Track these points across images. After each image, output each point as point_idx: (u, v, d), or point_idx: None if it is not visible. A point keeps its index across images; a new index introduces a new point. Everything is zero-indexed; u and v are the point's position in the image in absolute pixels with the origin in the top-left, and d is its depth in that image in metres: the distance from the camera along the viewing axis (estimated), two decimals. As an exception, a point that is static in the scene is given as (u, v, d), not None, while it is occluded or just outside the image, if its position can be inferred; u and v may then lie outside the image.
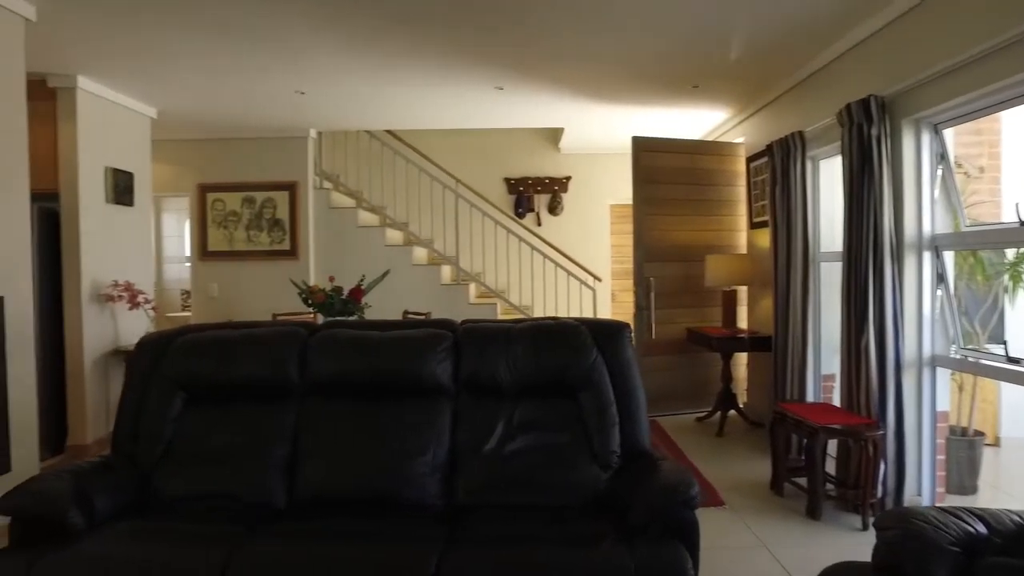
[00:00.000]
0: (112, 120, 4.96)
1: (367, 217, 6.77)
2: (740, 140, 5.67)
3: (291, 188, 6.36)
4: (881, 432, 3.26)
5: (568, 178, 7.51)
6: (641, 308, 5.47)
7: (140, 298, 4.89)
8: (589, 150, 7.42)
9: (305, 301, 4.67)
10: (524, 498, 2.41)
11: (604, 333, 2.72)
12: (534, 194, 7.48)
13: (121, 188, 4.99)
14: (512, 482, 2.45)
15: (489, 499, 2.42)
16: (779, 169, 4.38)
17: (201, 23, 3.70)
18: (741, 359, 5.64)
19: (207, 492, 2.44)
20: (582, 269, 6.79)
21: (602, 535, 2.08)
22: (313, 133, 6.44)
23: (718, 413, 5.07)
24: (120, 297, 4.78)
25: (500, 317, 6.52)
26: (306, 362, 2.66)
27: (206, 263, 6.45)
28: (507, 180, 7.49)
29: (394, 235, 6.75)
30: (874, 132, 3.34)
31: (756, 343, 4.89)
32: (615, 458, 2.49)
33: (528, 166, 7.51)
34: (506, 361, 2.62)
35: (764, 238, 4.85)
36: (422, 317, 5.25)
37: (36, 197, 4.62)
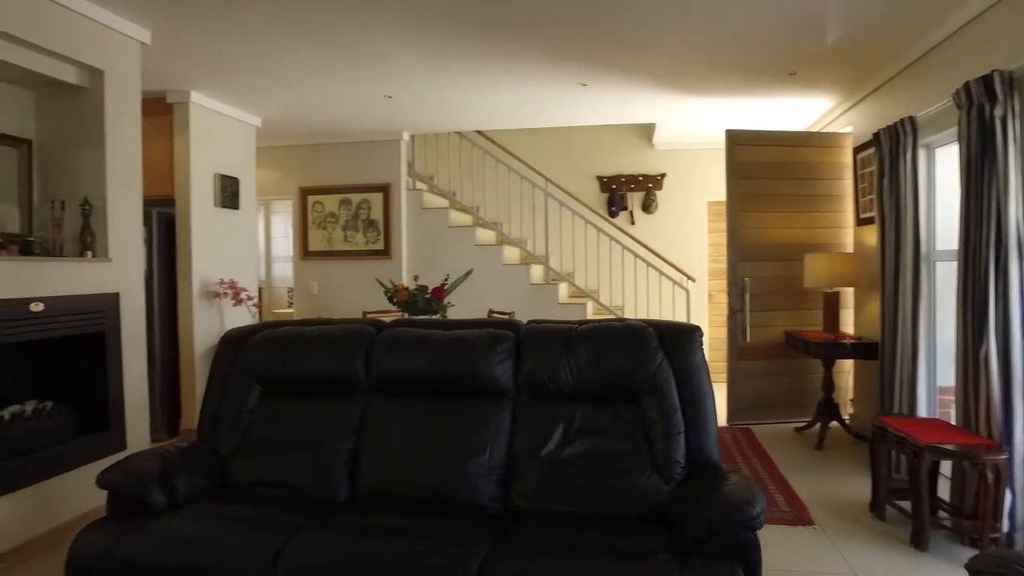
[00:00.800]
0: (220, 130, 5.33)
1: (458, 217, 6.88)
2: (847, 130, 5.23)
3: (385, 190, 6.58)
4: (1004, 456, 2.86)
5: (663, 175, 7.26)
6: (735, 310, 5.18)
7: (243, 295, 5.23)
8: (684, 145, 7.13)
9: (390, 299, 4.80)
10: (580, 505, 2.33)
11: (672, 336, 2.58)
12: (627, 192, 7.28)
13: (228, 193, 5.35)
14: (569, 488, 2.38)
15: (545, 504, 2.36)
16: (887, 159, 3.98)
17: (296, 37, 3.91)
18: (846, 366, 5.20)
19: (277, 480, 2.55)
20: (675, 269, 6.53)
21: (655, 550, 1.96)
22: (406, 136, 6.63)
23: (818, 424, 4.69)
24: (225, 294, 5.13)
25: (590, 317, 6.41)
26: (371, 360, 2.71)
27: (307, 262, 6.81)
28: (599, 178, 7.35)
29: (485, 235, 6.81)
30: (998, 112, 2.95)
31: (861, 350, 4.48)
32: (678, 469, 2.34)
33: (621, 163, 7.33)
34: (567, 362, 2.54)
35: (872, 235, 4.44)
36: (506, 317, 5.26)
37: (156, 203, 5.07)
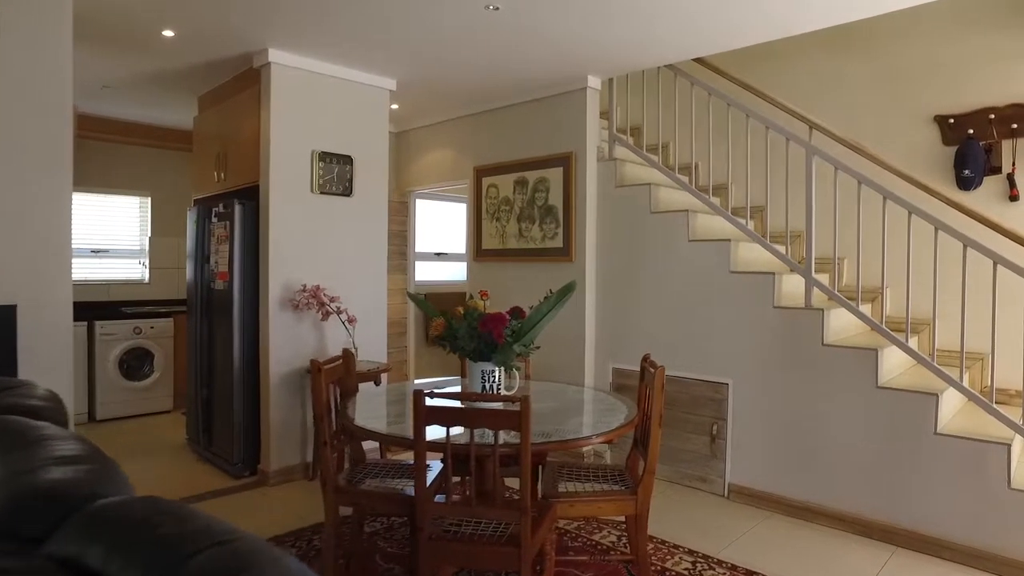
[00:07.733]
0: (323, 97, 4.19)
1: (671, 197, 4.52)
2: None
3: (565, 163, 4.66)
4: None
5: (1094, 99, 3.62)
6: None
7: (331, 306, 4.04)
8: None
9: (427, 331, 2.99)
10: None
11: None
12: (1000, 140, 3.85)
13: (332, 175, 4.22)
14: None
15: None
16: None
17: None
18: None
19: None
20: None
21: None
22: (593, 82, 4.56)
23: None
24: (308, 304, 4.01)
25: (886, 381, 3.46)
26: None
27: (480, 264, 5.33)
28: (940, 120, 4.06)
29: (709, 224, 4.33)
30: None
31: None
32: None
33: (987, 88, 3.92)
34: None
35: None
36: (655, 371, 2.91)
37: (247, 193, 4.24)
